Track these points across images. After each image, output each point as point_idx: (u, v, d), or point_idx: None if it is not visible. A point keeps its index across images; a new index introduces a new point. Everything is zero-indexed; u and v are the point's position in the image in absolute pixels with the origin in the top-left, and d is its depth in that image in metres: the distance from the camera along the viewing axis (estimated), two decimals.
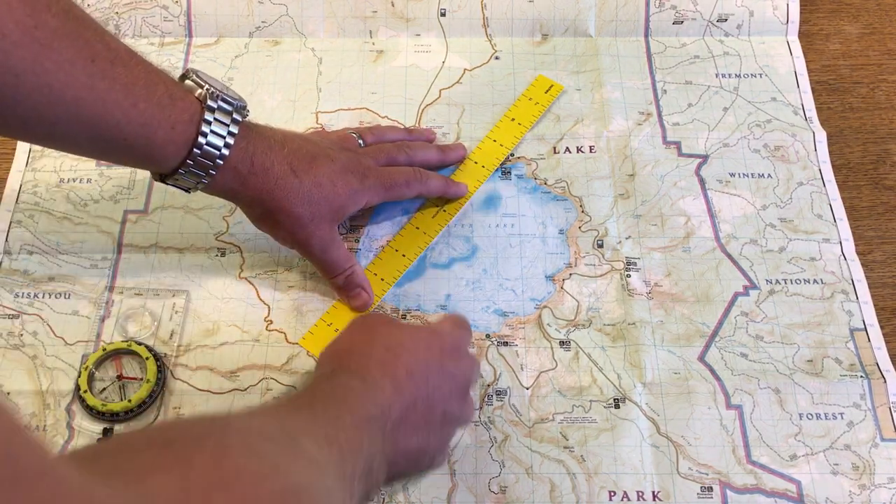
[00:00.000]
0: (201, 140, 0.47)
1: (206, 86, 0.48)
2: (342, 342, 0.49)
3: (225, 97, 0.48)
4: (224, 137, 0.48)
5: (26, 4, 0.40)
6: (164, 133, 0.46)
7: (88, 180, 0.62)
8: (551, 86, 0.67)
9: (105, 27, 0.45)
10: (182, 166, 0.48)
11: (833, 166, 0.64)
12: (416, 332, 0.50)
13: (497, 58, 0.69)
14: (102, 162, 0.63)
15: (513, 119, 0.65)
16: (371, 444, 0.42)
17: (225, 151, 0.48)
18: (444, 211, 0.61)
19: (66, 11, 0.42)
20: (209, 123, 0.47)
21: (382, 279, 0.58)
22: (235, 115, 0.49)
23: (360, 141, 0.60)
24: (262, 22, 0.69)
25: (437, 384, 0.47)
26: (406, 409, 0.45)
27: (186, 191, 0.51)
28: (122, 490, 0.26)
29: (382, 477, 0.44)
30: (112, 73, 0.44)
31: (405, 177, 0.58)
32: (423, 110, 0.66)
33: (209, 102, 0.48)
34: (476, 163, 0.63)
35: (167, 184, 0.50)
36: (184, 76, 0.50)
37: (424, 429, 0.47)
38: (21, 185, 0.62)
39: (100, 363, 0.54)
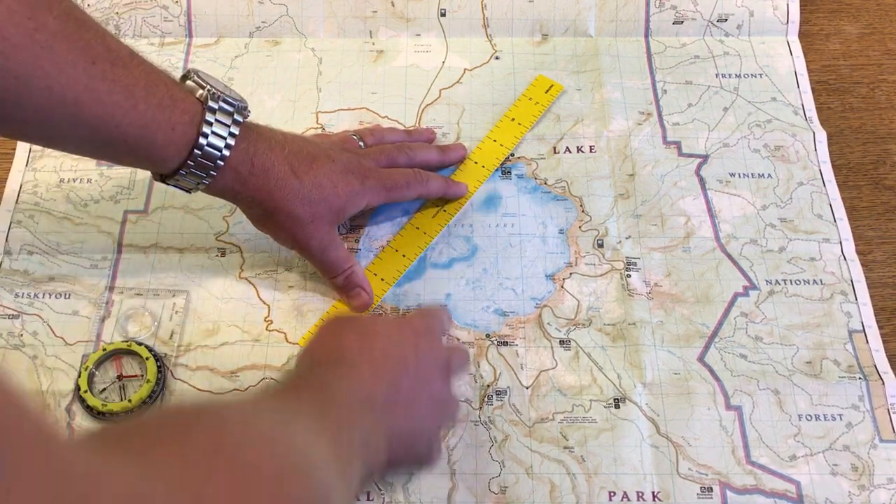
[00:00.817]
0: (202, 141, 0.47)
1: (207, 86, 0.48)
2: (313, 342, 0.49)
3: (226, 98, 0.48)
4: (225, 138, 0.48)
5: (27, 7, 0.40)
6: (165, 134, 0.46)
7: (88, 180, 0.62)
8: (551, 86, 0.67)
9: (105, 28, 0.45)
10: (183, 167, 0.48)
11: (833, 166, 0.64)
12: (385, 320, 0.50)
13: (497, 58, 0.69)
14: (103, 162, 0.63)
15: (513, 119, 0.65)
16: (363, 420, 0.42)
17: (226, 152, 0.48)
18: (445, 211, 0.61)
19: (67, 13, 0.42)
20: (210, 124, 0.47)
21: (382, 279, 0.58)
22: (236, 116, 0.49)
23: (361, 143, 0.60)
24: (262, 22, 0.69)
25: (416, 365, 0.47)
26: (390, 391, 0.44)
27: (187, 191, 0.51)
28: (122, 467, 0.26)
29: (383, 455, 0.43)
30: (112, 74, 0.44)
31: (406, 178, 0.58)
32: (423, 110, 0.66)
33: (210, 103, 0.48)
34: (476, 163, 0.63)
35: (168, 184, 0.50)
36: (185, 77, 0.50)
37: (413, 410, 0.46)
38: (21, 185, 0.62)
39: (100, 363, 0.54)
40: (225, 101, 0.48)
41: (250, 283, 0.58)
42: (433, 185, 0.60)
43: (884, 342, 0.56)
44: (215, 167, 0.48)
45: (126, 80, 0.44)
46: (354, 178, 0.55)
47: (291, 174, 0.52)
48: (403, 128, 0.65)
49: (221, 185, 0.50)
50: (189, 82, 0.49)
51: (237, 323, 0.57)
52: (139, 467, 0.26)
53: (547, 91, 0.67)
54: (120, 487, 0.23)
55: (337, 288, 0.57)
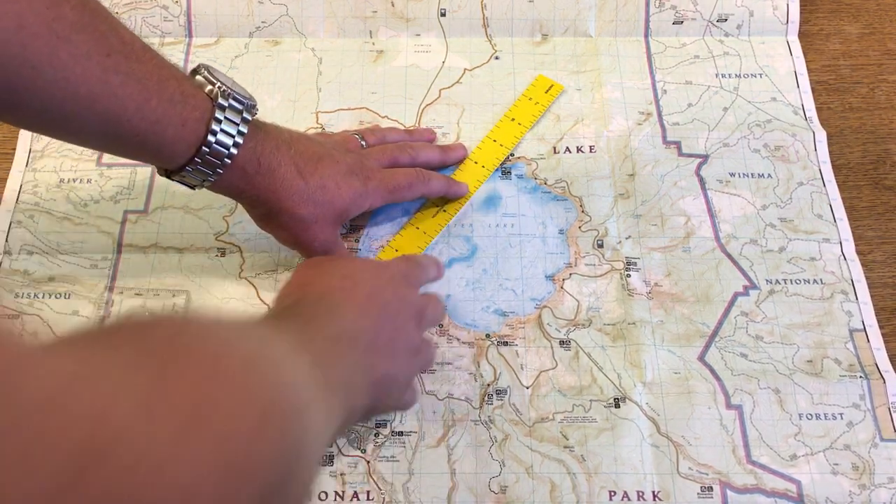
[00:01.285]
0: (210, 138, 0.47)
1: (218, 83, 0.48)
2: (295, 280, 0.49)
3: (236, 95, 0.48)
4: (233, 136, 0.48)
5: None
6: (175, 130, 0.46)
7: (88, 180, 0.62)
8: (551, 86, 0.67)
9: (118, 19, 0.45)
10: (189, 164, 0.48)
11: (833, 166, 0.64)
12: (365, 262, 0.51)
13: (497, 58, 0.69)
14: (103, 162, 0.63)
15: (513, 119, 0.65)
16: (347, 356, 0.41)
17: (233, 151, 0.48)
18: (444, 211, 0.61)
19: (84, 4, 0.42)
20: (219, 122, 0.47)
21: None
22: (245, 115, 0.49)
23: (363, 142, 0.60)
24: (262, 22, 0.69)
25: (396, 310, 0.47)
26: (374, 333, 0.44)
27: (191, 188, 0.51)
28: (68, 354, 0.24)
29: (364, 398, 0.43)
30: (126, 67, 0.43)
31: (408, 179, 0.58)
32: (423, 110, 0.66)
33: (220, 101, 0.48)
34: (476, 163, 0.63)
35: (173, 180, 0.50)
36: (195, 72, 0.49)
37: (393, 354, 0.45)
38: (21, 185, 0.62)
39: None
40: (234, 99, 0.48)
41: (250, 283, 0.58)
42: (435, 184, 0.60)
43: (885, 342, 0.56)
44: (222, 165, 0.48)
45: (139, 73, 0.44)
46: (357, 179, 0.55)
47: (297, 175, 0.51)
48: (404, 128, 0.65)
49: (227, 182, 0.50)
50: (199, 77, 0.49)
51: None
52: (86, 356, 0.25)
53: (547, 91, 0.67)
54: (60, 368, 0.22)
55: None
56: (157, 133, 0.46)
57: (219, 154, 0.48)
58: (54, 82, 0.41)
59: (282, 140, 0.52)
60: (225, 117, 0.47)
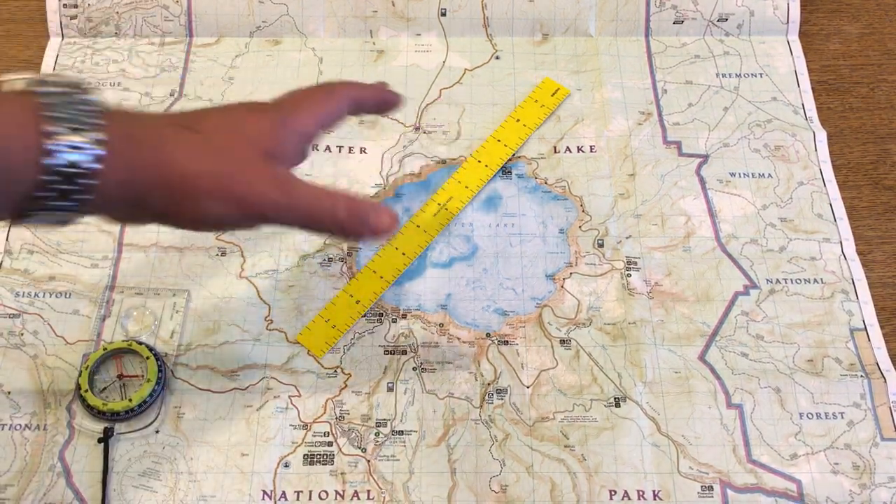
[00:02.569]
0: (50, 147, 0.35)
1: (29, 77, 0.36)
2: None
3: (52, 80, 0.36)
4: (82, 148, 0.35)
5: None
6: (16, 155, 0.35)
7: None
8: (557, 89, 0.67)
9: None
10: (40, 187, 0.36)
11: (833, 166, 0.64)
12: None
13: (497, 57, 0.69)
14: None
15: (517, 120, 0.66)
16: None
17: (92, 162, 0.36)
18: (446, 209, 0.61)
19: None
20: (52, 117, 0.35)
21: (382, 277, 0.58)
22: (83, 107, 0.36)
23: None
24: (263, 22, 0.69)
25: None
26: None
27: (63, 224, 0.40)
28: None
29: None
30: None
31: (323, 88, 0.46)
32: (423, 110, 0.67)
33: (36, 89, 0.35)
34: (480, 161, 0.64)
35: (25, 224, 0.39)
36: None
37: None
38: None
39: (100, 362, 0.54)
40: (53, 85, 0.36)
41: (251, 282, 0.58)
42: (357, 86, 0.48)
43: (885, 341, 0.56)
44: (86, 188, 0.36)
45: None
46: (258, 107, 0.43)
47: (184, 129, 0.40)
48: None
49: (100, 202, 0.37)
50: None
51: (237, 322, 0.57)
52: None
53: (553, 94, 0.67)
54: None
55: (342, 230, 0.43)
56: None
57: (73, 168, 0.35)
58: None
59: (143, 115, 0.42)
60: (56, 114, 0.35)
